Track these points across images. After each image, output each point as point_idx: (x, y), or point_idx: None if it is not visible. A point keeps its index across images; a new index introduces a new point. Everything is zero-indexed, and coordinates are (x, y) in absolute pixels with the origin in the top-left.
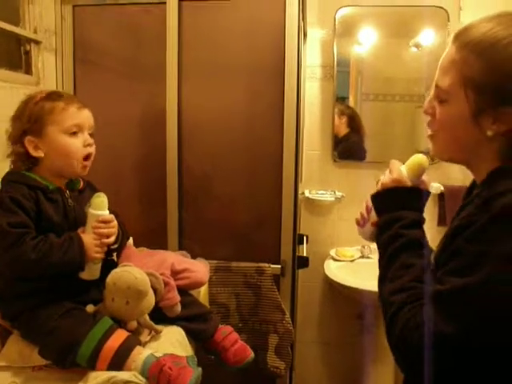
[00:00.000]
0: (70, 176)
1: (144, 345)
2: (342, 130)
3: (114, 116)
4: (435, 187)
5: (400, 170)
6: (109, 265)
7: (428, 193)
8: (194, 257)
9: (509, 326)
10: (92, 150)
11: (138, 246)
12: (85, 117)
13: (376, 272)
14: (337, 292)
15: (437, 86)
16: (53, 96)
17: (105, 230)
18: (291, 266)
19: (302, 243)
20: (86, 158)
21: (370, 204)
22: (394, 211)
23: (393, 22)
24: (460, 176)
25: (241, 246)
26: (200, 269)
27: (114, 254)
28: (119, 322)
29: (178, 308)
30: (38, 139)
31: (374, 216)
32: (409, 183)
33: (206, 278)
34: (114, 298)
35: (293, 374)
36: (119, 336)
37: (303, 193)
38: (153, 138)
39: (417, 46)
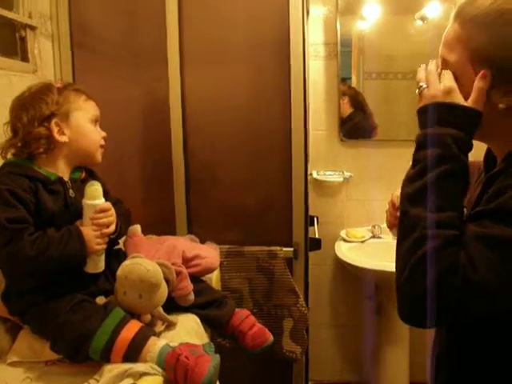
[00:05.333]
0: (87, 163)
1: (158, 335)
2: (346, 109)
3: (115, 103)
4: None
5: (451, 79)
6: (115, 254)
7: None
8: (203, 242)
9: None
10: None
11: (147, 233)
12: (99, 112)
13: (386, 252)
14: (348, 273)
15: (444, 61)
16: (73, 86)
17: (104, 220)
18: (304, 249)
19: (313, 225)
20: (102, 146)
21: (397, 200)
22: (448, 127)
23: None
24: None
25: (251, 230)
26: (210, 254)
27: (121, 242)
28: (132, 315)
29: (192, 297)
30: (64, 123)
31: None
32: (462, 99)
33: (217, 262)
34: (126, 291)
35: (309, 357)
36: (133, 327)
37: (311, 174)
38: (157, 123)
39: (422, 18)
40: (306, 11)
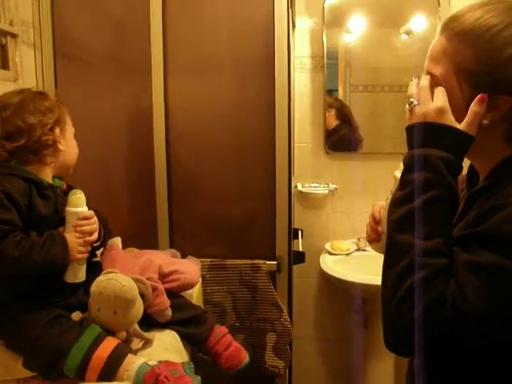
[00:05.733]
0: (64, 175)
1: (136, 352)
2: (332, 122)
3: (98, 113)
4: None
5: (445, 99)
6: (93, 267)
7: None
8: (185, 255)
9: None
10: None
11: (128, 245)
12: None
13: (372, 265)
14: (333, 286)
15: (430, 74)
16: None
17: (87, 227)
18: (287, 262)
19: (297, 238)
20: None
21: (378, 214)
22: (438, 149)
23: (383, 10)
24: None
25: (235, 243)
26: (190, 269)
27: (99, 254)
28: (107, 332)
29: (169, 313)
30: (61, 134)
31: (385, 224)
32: (454, 121)
33: (197, 278)
34: (100, 308)
35: (292, 373)
36: (109, 344)
37: (296, 186)
38: (140, 133)
39: (408, 32)
40: (291, 24)
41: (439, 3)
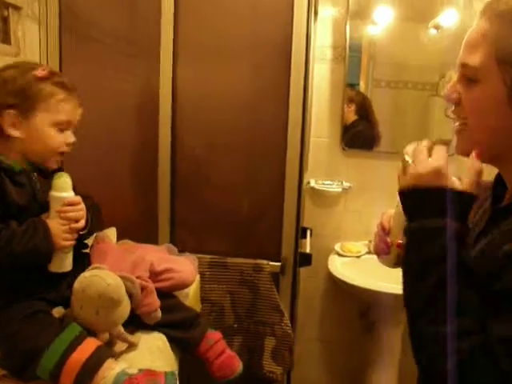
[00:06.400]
0: (40, 163)
1: (119, 355)
2: (350, 117)
3: (102, 93)
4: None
5: (443, 157)
6: (81, 259)
7: (474, 196)
8: (186, 249)
9: None
10: (70, 148)
11: (126, 236)
12: (77, 115)
13: (382, 270)
14: (340, 289)
15: (463, 65)
16: (56, 79)
17: (72, 214)
18: (292, 264)
19: (306, 237)
20: (62, 153)
21: (388, 224)
22: (436, 217)
23: (411, 2)
24: None
25: (238, 240)
26: (185, 268)
27: (88, 245)
28: (89, 332)
29: (158, 314)
30: (21, 118)
31: (395, 234)
32: (454, 180)
33: (193, 277)
34: (82, 306)
35: (291, 378)
36: (88, 346)
37: (309, 182)
38: (145, 118)
39: (436, 27)
40: (313, 11)
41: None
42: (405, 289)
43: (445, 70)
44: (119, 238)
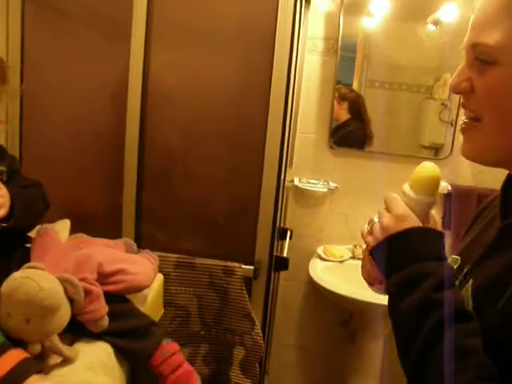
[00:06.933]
0: None
1: (50, 370)
2: (343, 115)
3: (65, 73)
4: (442, 186)
5: (402, 205)
6: (20, 254)
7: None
8: (151, 246)
9: None
10: None
11: (87, 231)
12: None
13: None
14: (321, 295)
15: (475, 46)
16: None
17: None
18: (267, 268)
19: (285, 239)
20: None
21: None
22: (413, 264)
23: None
24: (469, 174)
25: (209, 239)
26: (141, 269)
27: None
28: (16, 342)
29: (104, 322)
30: None
31: None
32: (418, 222)
33: (150, 280)
34: (10, 312)
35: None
36: (10, 359)
37: (292, 180)
38: (112, 104)
39: (435, 23)
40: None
41: None
42: (399, 345)
43: (441, 72)
44: (75, 231)
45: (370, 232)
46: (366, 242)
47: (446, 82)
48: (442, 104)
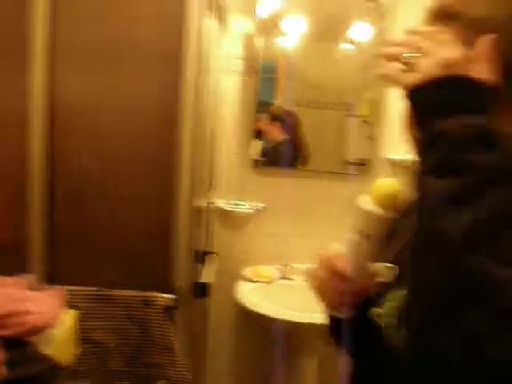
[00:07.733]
0: None
1: None
2: (277, 135)
3: None
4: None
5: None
6: None
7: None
8: (62, 279)
9: None
10: None
11: None
12: None
13: (297, 297)
14: (251, 318)
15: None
16: None
17: None
18: (190, 295)
19: (210, 263)
20: None
21: (343, 268)
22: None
23: (319, 19)
24: None
25: (126, 269)
26: (45, 308)
27: None
28: None
29: (2, 371)
30: None
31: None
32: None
33: (54, 318)
34: None
35: None
36: None
37: (214, 203)
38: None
39: (351, 42)
40: (218, 18)
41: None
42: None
43: (361, 89)
44: None
45: (408, 66)
46: (397, 81)
47: (367, 99)
48: (364, 121)
